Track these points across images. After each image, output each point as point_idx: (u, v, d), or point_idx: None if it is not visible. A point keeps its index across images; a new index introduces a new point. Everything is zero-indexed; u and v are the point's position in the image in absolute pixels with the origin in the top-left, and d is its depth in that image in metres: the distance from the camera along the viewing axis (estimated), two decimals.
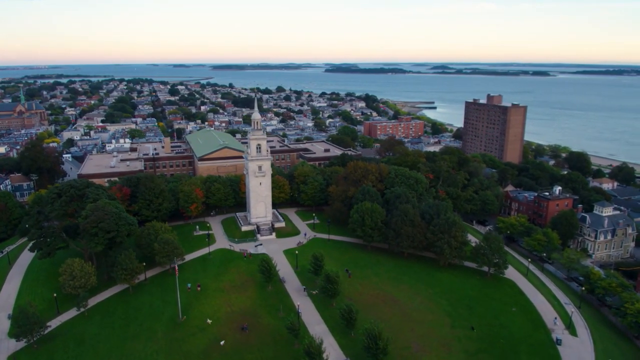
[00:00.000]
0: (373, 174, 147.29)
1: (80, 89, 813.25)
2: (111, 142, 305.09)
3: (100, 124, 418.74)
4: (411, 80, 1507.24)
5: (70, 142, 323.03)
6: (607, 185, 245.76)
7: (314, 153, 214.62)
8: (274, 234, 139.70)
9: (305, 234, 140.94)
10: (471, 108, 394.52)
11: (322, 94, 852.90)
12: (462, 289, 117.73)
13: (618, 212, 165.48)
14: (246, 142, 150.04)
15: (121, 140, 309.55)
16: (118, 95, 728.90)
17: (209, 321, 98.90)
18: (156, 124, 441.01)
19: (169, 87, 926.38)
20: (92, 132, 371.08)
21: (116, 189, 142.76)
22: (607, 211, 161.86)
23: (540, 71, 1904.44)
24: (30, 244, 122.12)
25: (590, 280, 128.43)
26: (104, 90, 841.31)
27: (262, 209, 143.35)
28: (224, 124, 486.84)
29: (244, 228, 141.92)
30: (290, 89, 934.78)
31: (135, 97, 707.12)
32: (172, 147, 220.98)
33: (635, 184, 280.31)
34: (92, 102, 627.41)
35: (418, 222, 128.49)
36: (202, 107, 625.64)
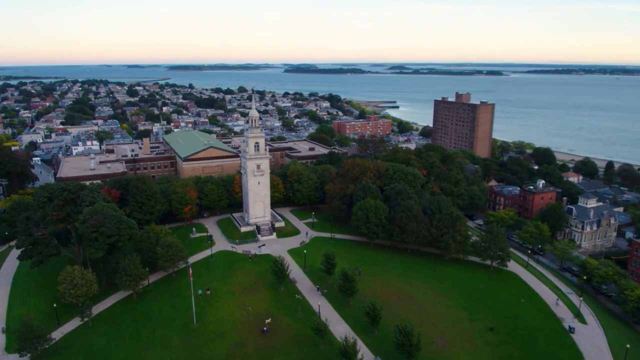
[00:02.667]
0: (371, 171, 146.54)
1: (33, 91, 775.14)
2: (78, 145, 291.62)
3: (61, 127, 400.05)
4: (370, 81, 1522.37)
5: (34, 146, 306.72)
6: (573, 179, 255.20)
7: (299, 152, 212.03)
8: (274, 234, 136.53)
9: (307, 233, 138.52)
10: (440, 106, 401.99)
11: (286, 94, 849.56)
12: (470, 283, 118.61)
13: (601, 203, 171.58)
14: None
15: (88, 143, 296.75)
16: (74, 96, 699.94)
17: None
18: (119, 125, 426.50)
19: (126, 88, 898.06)
20: (53, 135, 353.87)
21: (105, 192, 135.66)
22: (592, 203, 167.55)
23: (493, 71, 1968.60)
24: (19, 252, 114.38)
25: (587, 269, 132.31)
26: (58, 91, 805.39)
27: (260, 209, 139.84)
28: (190, 125, 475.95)
29: (244, 229, 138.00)
30: (253, 89, 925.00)
31: (93, 99, 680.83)
32: (150, 148, 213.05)
33: (599, 177, 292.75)
34: (48, 104, 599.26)
35: (422, 217, 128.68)
36: (164, 108, 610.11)
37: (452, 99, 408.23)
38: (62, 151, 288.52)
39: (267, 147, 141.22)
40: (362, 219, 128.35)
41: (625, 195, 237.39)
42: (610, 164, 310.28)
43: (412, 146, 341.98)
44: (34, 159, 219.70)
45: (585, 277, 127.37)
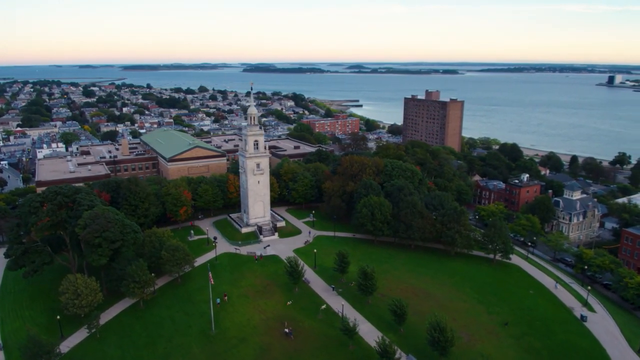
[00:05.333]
0: (370, 168, 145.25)
1: None
2: (42, 147, 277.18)
3: (19, 129, 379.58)
4: (330, 80, 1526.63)
5: None
6: (541, 173, 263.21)
7: (285, 150, 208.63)
8: (276, 234, 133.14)
9: (309, 232, 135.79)
10: (410, 104, 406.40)
11: (248, 93, 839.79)
12: (479, 277, 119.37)
13: (585, 195, 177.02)
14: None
15: (53, 145, 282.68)
16: (27, 98, 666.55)
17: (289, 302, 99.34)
18: (80, 127, 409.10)
19: (81, 88, 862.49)
20: (12, 138, 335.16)
21: None
22: (577, 195, 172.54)
23: (449, 70, 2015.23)
24: (8, 261, 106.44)
25: (583, 259, 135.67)
26: (9, 93, 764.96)
27: (260, 209, 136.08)
28: (155, 125, 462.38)
29: (245, 230, 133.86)
30: (214, 89, 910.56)
31: (48, 100, 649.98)
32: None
33: (564, 171, 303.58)
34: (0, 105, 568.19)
35: (426, 213, 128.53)
36: (124, 109, 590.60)
37: (421, 96, 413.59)
38: (26, 154, 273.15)
39: (267, 145, 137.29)
40: (368, 216, 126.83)
41: (592, 187, 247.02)
42: (574, 158, 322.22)
43: (382, 143, 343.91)
44: (1, 162, 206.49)
45: (585, 267, 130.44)
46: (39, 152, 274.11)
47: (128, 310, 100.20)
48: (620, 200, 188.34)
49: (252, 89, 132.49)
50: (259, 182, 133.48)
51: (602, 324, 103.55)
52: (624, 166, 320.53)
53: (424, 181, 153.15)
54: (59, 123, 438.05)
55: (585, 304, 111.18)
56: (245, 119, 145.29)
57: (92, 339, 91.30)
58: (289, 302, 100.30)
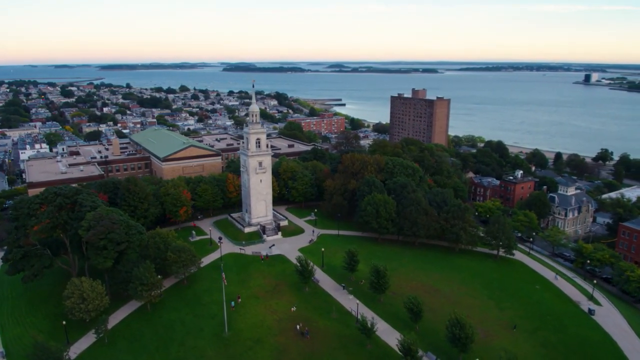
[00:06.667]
0: (372, 165, 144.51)
1: None
2: (25, 148, 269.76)
3: None
4: (311, 79, 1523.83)
5: None
6: (521, 170, 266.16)
7: (279, 149, 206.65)
8: (279, 233, 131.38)
9: (313, 231, 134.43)
10: (397, 102, 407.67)
11: (231, 93, 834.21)
12: (485, 273, 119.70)
13: (579, 191, 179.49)
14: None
15: (37, 146, 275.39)
16: (3, 98, 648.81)
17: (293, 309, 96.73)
18: (61, 127, 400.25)
19: (58, 88, 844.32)
20: None
21: None
22: (571, 190, 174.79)
23: (429, 69, 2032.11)
24: (8, 266, 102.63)
25: (583, 254, 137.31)
26: None
27: (262, 208, 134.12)
28: (138, 125, 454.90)
29: (247, 229, 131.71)
30: (195, 88, 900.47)
31: (25, 100, 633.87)
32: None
33: (549, 168, 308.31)
34: None
35: (430, 210, 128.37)
36: (105, 109, 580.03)
37: (407, 95, 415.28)
38: (8, 156, 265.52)
39: (269, 144, 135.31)
40: (373, 214, 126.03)
41: (577, 183, 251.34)
42: (558, 155, 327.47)
43: (369, 142, 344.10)
44: None
45: (588, 261, 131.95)
46: (22, 153, 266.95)
47: (135, 314, 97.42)
48: (614, 195, 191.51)
49: (253, 86, 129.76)
50: (261, 180, 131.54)
51: (609, 317, 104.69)
52: (607, 162, 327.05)
53: (424, 178, 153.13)
54: (38, 124, 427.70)
55: (591, 297, 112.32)
56: (247, 116, 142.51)
57: (100, 344, 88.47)
58: (293, 308, 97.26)
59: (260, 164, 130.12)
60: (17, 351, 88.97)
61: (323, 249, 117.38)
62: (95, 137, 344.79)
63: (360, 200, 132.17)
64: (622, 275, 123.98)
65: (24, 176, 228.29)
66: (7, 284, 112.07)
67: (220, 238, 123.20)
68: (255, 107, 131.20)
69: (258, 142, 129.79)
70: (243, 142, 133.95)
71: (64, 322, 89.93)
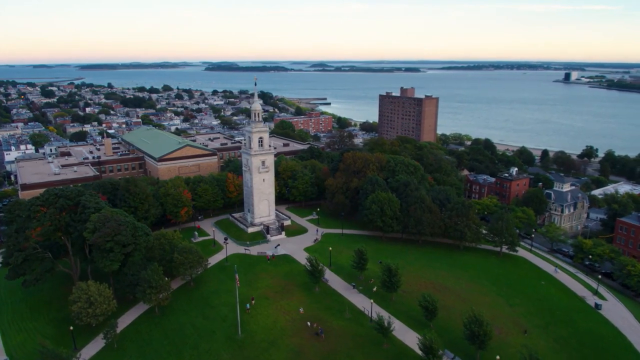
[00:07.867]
0: (373, 164, 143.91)
1: None
2: (10, 150, 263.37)
3: None
4: (294, 78, 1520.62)
5: None
6: (515, 167, 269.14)
7: (275, 148, 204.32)
8: (283, 233, 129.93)
9: (317, 230, 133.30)
10: (385, 101, 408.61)
11: (215, 92, 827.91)
12: (491, 269, 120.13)
13: (574, 187, 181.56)
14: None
15: (22, 147, 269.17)
16: None
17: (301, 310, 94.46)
18: (44, 128, 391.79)
19: (38, 89, 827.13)
20: None
21: None
22: (567, 187, 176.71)
23: (411, 68, 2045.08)
24: (8, 270, 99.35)
25: (583, 249, 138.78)
26: None
27: (265, 208, 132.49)
28: (123, 125, 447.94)
29: (251, 229, 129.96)
30: (178, 88, 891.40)
31: (5, 101, 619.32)
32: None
33: (536, 165, 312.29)
34: None
35: (435, 208, 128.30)
36: (88, 109, 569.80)
37: (395, 93, 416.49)
38: None
39: (271, 143, 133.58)
40: (377, 212, 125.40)
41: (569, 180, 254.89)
42: (545, 152, 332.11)
43: (359, 140, 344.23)
44: None
45: (590, 256, 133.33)
46: (7, 154, 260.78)
47: (143, 317, 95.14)
48: (608, 191, 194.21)
49: (255, 84, 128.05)
50: (264, 180, 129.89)
51: (615, 311, 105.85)
52: (592, 159, 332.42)
53: (425, 176, 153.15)
54: (20, 124, 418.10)
55: (596, 292, 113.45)
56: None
57: (109, 349, 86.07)
58: (301, 310, 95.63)
59: (263, 162, 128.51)
60: (21, 358, 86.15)
61: (331, 248, 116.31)
62: (81, 137, 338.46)
63: (364, 199, 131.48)
64: (623, 269, 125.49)
65: (12, 178, 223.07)
66: (6, 289, 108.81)
67: (225, 239, 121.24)
68: (257, 106, 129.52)
69: (261, 140, 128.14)
70: (245, 141, 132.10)
71: (71, 328, 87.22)
